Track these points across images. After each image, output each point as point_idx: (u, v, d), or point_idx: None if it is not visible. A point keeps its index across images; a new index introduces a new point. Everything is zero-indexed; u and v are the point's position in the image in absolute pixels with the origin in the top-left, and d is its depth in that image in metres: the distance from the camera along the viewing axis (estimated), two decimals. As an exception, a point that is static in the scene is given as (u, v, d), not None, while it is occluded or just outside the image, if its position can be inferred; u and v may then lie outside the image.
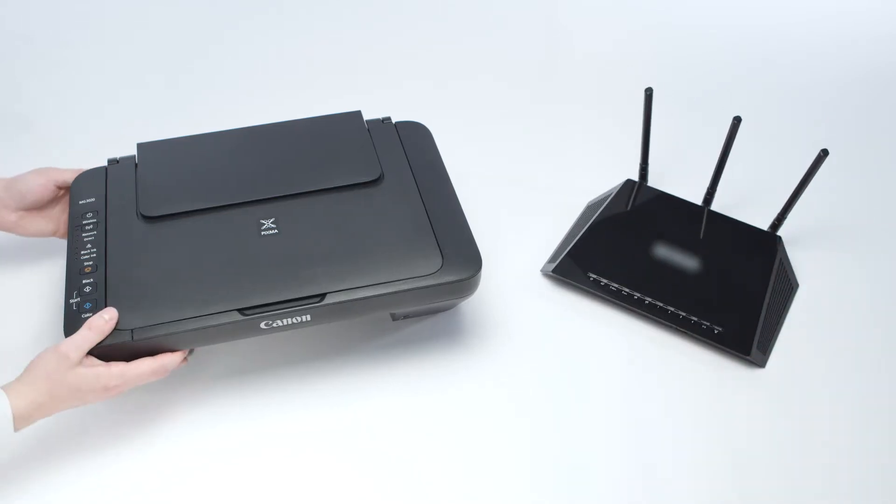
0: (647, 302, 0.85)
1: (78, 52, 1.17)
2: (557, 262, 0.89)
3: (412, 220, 0.75)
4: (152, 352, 0.69)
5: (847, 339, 0.84)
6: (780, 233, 0.89)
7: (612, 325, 0.86)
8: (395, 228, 0.75)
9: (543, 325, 0.85)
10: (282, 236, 0.74)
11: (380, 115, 0.87)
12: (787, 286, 0.88)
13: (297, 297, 0.70)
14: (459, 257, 0.73)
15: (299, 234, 0.74)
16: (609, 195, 0.95)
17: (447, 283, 0.71)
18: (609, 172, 0.98)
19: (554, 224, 0.95)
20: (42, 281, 0.88)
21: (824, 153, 0.79)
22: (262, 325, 0.70)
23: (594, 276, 0.87)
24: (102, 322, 0.67)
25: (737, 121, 0.82)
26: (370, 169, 0.79)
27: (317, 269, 0.72)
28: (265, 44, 1.21)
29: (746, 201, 0.97)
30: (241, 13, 1.25)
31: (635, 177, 0.96)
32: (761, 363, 0.82)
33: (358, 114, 0.86)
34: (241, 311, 0.69)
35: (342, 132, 0.84)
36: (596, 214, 0.92)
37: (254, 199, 0.77)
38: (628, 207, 0.93)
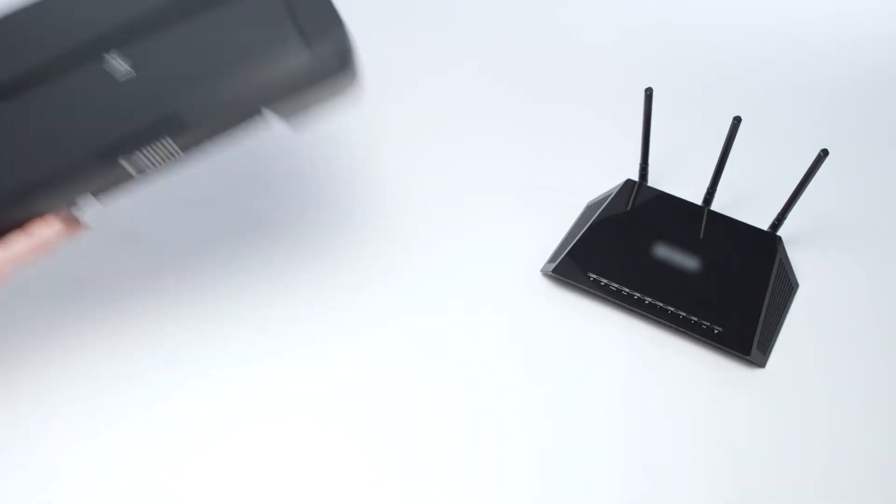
0: (647, 302, 0.85)
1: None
2: (557, 262, 0.89)
3: (267, 13, 0.69)
4: (20, 225, 0.65)
5: (847, 339, 0.84)
6: (780, 233, 0.89)
7: (612, 325, 0.86)
8: (251, 28, 0.69)
9: (543, 325, 0.85)
10: (134, 70, 0.69)
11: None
12: (787, 286, 0.88)
13: (151, 121, 0.65)
14: (320, 30, 0.68)
15: (151, 62, 0.69)
16: (609, 195, 0.95)
17: (310, 61, 0.66)
18: (609, 172, 0.98)
19: (554, 224, 0.95)
20: None
21: (824, 153, 0.79)
22: (125, 165, 0.66)
23: (594, 276, 0.87)
24: None
25: (737, 121, 0.82)
26: None
27: (172, 89, 0.67)
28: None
29: (746, 201, 0.97)
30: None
31: (635, 177, 0.96)
32: (761, 363, 0.82)
33: None
34: (96, 153, 0.65)
35: None
36: (596, 214, 0.92)
37: (98, 39, 0.71)
38: (628, 207, 0.93)
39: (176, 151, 0.67)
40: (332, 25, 0.69)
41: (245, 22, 0.70)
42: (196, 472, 0.73)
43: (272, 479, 0.73)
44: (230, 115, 0.67)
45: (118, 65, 0.69)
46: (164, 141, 0.66)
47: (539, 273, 0.90)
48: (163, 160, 0.67)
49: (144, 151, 0.66)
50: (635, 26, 1.24)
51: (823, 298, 0.88)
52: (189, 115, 0.66)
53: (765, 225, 0.90)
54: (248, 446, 0.75)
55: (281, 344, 0.83)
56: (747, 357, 0.81)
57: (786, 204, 0.87)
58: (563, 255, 0.89)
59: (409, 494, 0.72)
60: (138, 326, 0.83)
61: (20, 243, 0.64)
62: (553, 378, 0.81)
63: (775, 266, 0.87)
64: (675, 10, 1.25)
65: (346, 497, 0.72)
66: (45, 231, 0.65)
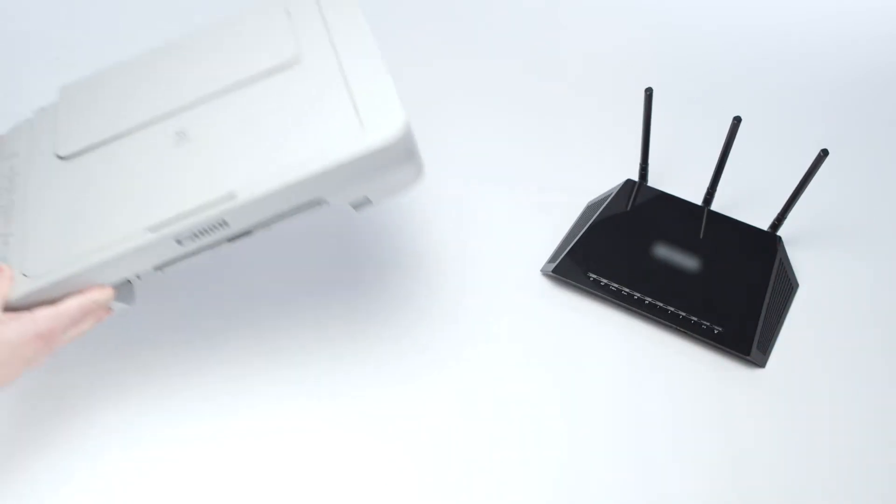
0: (647, 302, 0.85)
1: (78, 52, 1.17)
2: (557, 262, 0.89)
3: (329, 95, 0.69)
4: (77, 292, 0.67)
5: (847, 339, 0.84)
6: (780, 233, 0.89)
7: (612, 325, 0.86)
8: (311, 108, 0.69)
9: (543, 325, 0.85)
10: (193, 144, 0.70)
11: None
12: (787, 286, 0.88)
13: (204, 202, 0.65)
14: (379, 122, 0.66)
15: (211, 136, 0.70)
16: (609, 195, 0.95)
17: (367, 150, 0.65)
18: (609, 172, 0.98)
19: (554, 224, 0.95)
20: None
21: (824, 153, 0.79)
22: (178, 242, 0.66)
23: (594, 276, 0.87)
24: None
25: (737, 121, 0.82)
26: (283, 51, 0.73)
27: (226, 169, 0.67)
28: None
29: (746, 201, 0.97)
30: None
31: (635, 177, 0.96)
32: (761, 363, 0.82)
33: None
34: (150, 229, 0.66)
35: (257, 20, 0.78)
36: (596, 214, 0.92)
37: (165, 111, 0.73)
38: (628, 207, 0.93)
39: (225, 228, 0.67)
40: (392, 115, 0.66)
41: (307, 107, 0.69)
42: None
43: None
44: (285, 198, 0.66)
45: (184, 139, 0.70)
46: (219, 222, 0.66)
47: (539, 273, 0.90)
48: (214, 235, 0.67)
49: (198, 229, 0.66)
50: (635, 27, 1.24)
51: (823, 298, 0.88)
52: (245, 195, 0.65)
53: (765, 225, 0.90)
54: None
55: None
56: (747, 357, 0.81)
57: (786, 204, 0.86)
58: (563, 255, 0.89)
59: (405, 488, 0.72)
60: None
61: (73, 301, 0.66)
62: (553, 377, 0.81)
63: (775, 266, 0.87)
64: (676, 10, 1.25)
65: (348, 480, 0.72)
66: (97, 294, 0.67)
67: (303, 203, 0.67)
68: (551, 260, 0.90)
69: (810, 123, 1.09)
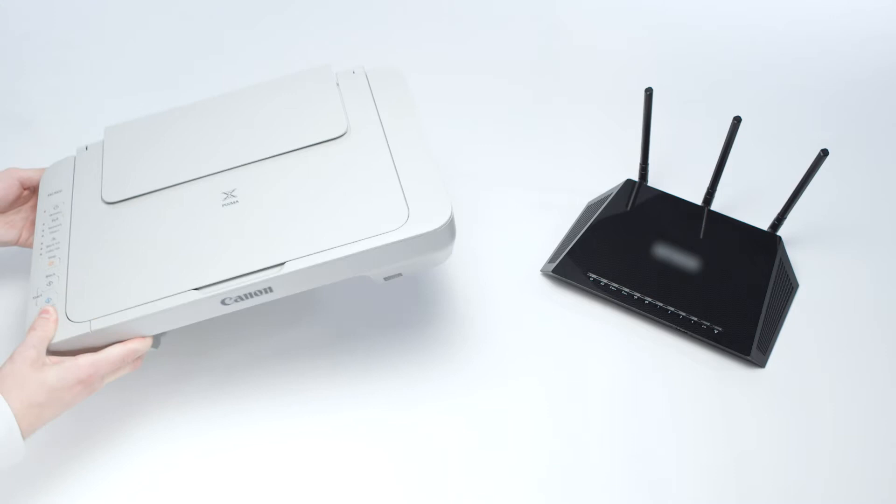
0: (647, 302, 0.85)
1: (78, 52, 1.17)
2: (557, 262, 0.89)
3: (378, 175, 0.72)
4: (118, 341, 0.69)
5: (847, 339, 0.84)
6: (780, 233, 0.89)
7: (612, 325, 0.86)
8: (360, 185, 0.71)
9: (543, 325, 0.85)
10: (242, 206, 0.71)
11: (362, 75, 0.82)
12: (787, 286, 0.88)
13: (254, 269, 0.67)
14: (426, 209, 0.68)
15: (260, 201, 0.72)
16: (609, 195, 0.95)
17: (414, 236, 0.67)
18: (609, 172, 0.98)
19: (554, 224, 0.95)
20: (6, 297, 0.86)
21: (824, 153, 0.79)
22: (223, 303, 0.68)
23: (594, 276, 0.87)
24: (41, 317, 0.67)
25: (737, 121, 0.82)
26: (335, 125, 0.76)
27: (276, 237, 0.69)
28: (268, 44, 1.21)
29: (746, 201, 0.97)
30: (244, 14, 1.25)
31: (635, 177, 0.96)
32: (761, 363, 0.82)
33: (326, 67, 0.82)
34: (197, 289, 0.67)
35: (309, 89, 0.80)
36: (596, 214, 0.92)
37: (215, 170, 0.74)
38: (628, 207, 0.93)
39: (269, 293, 0.69)
40: (438, 204, 0.69)
41: (356, 185, 0.71)
42: None
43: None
44: (329, 272, 0.68)
45: (233, 200, 0.72)
46: (264, 288, 0.68)
47: (539, 273, 0.90)
48: (256, 297, 0.69)
49: (244, 293, 0.68)
50: (635, 27, 1.24)
51: (823, 298, 0.88)
52: (293, 267, 0.67)
53: (765, 225, 0.90)
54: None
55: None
56: (747, 357, 0.81)
57: (786, 204, 0.87)
58: (563, 255, 0.89)
59: (403, 490, 0.72)
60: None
61: (114, 350, 0.68)
62: (553, 378, 0.81)
63: (775, 266, 0.87)
64: (676, 10, 1.25)
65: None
66: (138, 344, 0.69)
67: (345, 277, 0.70)
68: (551, 260, 0.90)
69: (810, 123, 1.09)
